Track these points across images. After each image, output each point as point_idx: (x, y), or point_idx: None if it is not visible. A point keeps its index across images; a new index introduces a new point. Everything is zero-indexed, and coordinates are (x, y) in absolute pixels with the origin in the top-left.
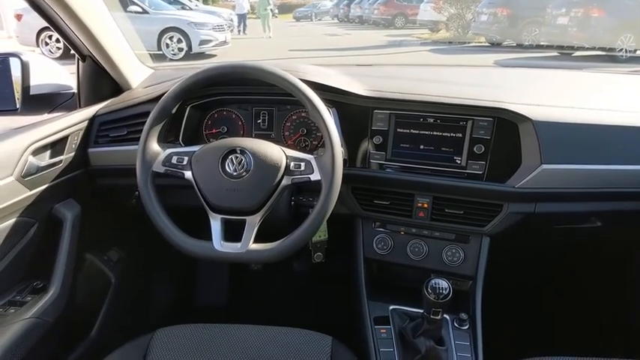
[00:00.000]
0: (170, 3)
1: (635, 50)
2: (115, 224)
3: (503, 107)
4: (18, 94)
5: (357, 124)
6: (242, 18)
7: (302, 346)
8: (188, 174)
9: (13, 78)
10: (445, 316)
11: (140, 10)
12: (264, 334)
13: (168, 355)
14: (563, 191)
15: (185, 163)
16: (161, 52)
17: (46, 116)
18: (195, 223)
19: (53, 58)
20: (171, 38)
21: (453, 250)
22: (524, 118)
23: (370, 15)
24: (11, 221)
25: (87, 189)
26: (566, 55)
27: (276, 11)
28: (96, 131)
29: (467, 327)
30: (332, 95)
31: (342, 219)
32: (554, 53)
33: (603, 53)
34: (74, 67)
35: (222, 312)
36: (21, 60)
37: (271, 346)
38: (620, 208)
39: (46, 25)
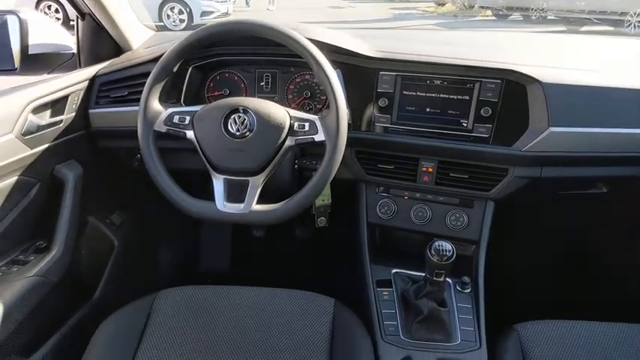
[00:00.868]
0: None
1: None
2: (118, 188)
3: (511, 69)
4: (16, 54)
5: (363, 88)
6: None
7: (304, 307)
8: (190, 133)
9: (11, 37)
10: (448, 279)
11: None
12: (267, 295)
13: (171, 316)
14: (570, 155)
15: (187, 122)
16: (162, 24)
17: (45, 76)
18: (195, 187)
19: None
20: (172, 9)
21: (457, 215)
22: (532, 80)
23: None
24: (13, 179)
25: (88, 151)
26: (573, 30)
27: None
28: (96, 91)
29: (469, 290)
30: (338, 57)
31: (346, 184)
32: (562, 28)
33: (611, 28)
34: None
35: (225, 276)
36: (19, 18)
37: (274, 306)
38: (627, 173)
39: None
